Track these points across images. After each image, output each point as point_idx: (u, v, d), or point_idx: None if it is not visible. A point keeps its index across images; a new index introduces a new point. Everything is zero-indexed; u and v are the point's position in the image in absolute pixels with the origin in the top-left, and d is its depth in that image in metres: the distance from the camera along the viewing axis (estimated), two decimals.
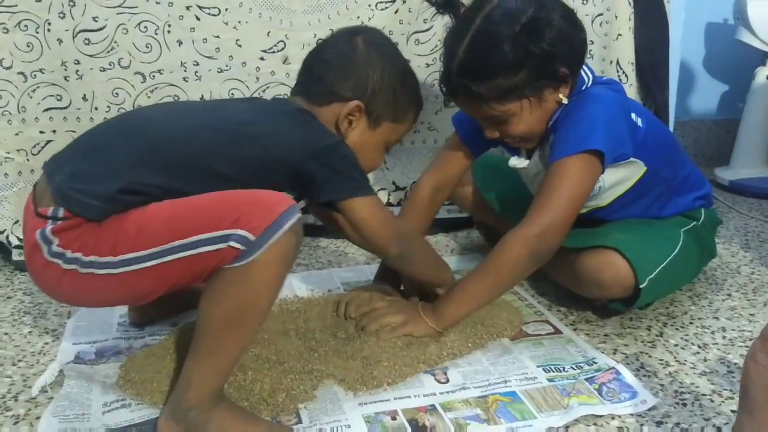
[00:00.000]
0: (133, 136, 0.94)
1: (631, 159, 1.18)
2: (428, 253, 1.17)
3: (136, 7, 1.48)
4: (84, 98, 1.51)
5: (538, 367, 1.07)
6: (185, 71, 1.53)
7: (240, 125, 0.97)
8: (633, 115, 1.18)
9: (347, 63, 1.06)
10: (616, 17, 1.59)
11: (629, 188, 1.23)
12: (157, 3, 1.49)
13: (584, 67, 1.16)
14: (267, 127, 0.98)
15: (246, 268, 0.83)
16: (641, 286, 1.15)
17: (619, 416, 0.95)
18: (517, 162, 1.24)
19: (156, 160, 0.91)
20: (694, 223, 1.32)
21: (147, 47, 1.50)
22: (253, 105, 1.06)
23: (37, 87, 1.49)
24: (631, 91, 1.63)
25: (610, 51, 1.61)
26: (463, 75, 1.08)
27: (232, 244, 0.82)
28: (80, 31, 1.47)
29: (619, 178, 1.20)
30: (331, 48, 1.09)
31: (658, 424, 0.94)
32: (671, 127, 1.72)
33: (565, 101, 1.13)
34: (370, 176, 1.37)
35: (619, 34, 1.60)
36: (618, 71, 1.62)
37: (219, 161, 0.93)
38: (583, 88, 1.16)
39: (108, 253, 0.87)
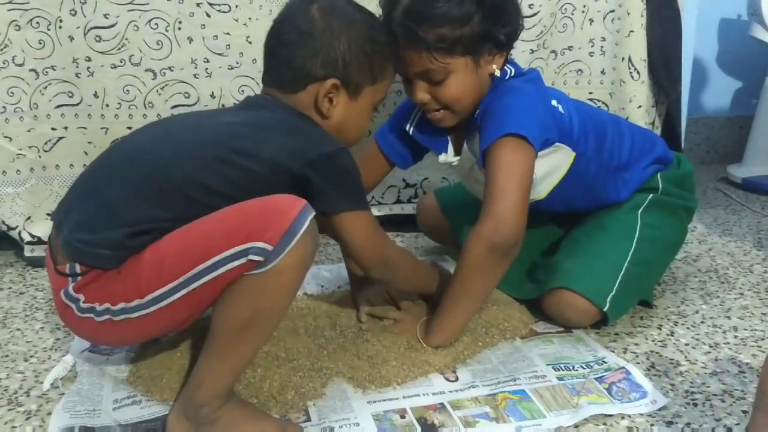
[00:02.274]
0: (126, 170, 0.92)
1: (557, 144, 1.17)
2: (410, 276, 1.12)
3: (147, 4, 1.48)
4: (95, 95, 1.52)
5: (547, 365, 1.06)
6: (196, 68, 1.53)
7: (231, 139, 0.93)
8: (554, 102, 1.18)
9: (310, 40, 1.00)
10: (628, 14, 1.58)
11: (563, 176, 1.21)
12: (167, 0, 1.49)
13: (509, 62, 1.17)
14: (262, 135, 0.95)
15: (264, 276, 0.83)
16: (605, 309, 1.14)
17: (629, 416, 0.95)
18: (446, 158, 1.23)
19: (153, 192, 0.89)
20: (651, 195, 1.28)
21: (158, 44, 1.51)
22: (236, 117, 1.00)
23: (49, 84, 1.50)
24: (644, 88, 1.61)
25: (622, 47, 1.60)
26: (409, 18, 1.07)
27: (252, 257, 0.82)
28: (91, 28, 1.48)
29: (549, 167, 1.19)
30: (288, 25, 1.03)
31: (669, 424, 0.93)
32: (683, 125, 1.71)
33: (497, 73, 1.14)
34: None
35: (631, 31, 1.59)
36: (630, 68, 1.60)
37: (215, 178, 0.90)
38: (507, 78, 1.16)
39: (135, 296, 0.87)
